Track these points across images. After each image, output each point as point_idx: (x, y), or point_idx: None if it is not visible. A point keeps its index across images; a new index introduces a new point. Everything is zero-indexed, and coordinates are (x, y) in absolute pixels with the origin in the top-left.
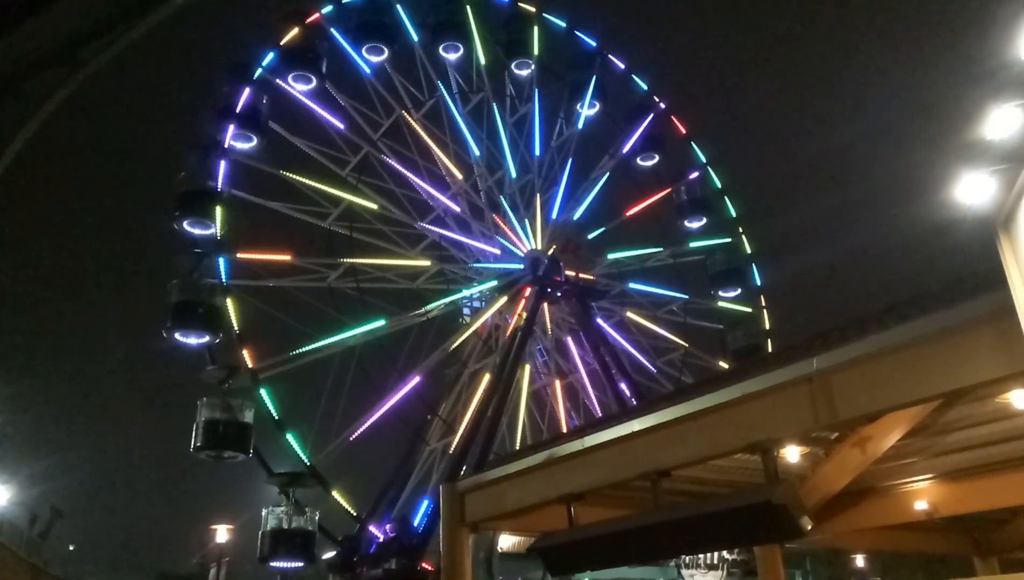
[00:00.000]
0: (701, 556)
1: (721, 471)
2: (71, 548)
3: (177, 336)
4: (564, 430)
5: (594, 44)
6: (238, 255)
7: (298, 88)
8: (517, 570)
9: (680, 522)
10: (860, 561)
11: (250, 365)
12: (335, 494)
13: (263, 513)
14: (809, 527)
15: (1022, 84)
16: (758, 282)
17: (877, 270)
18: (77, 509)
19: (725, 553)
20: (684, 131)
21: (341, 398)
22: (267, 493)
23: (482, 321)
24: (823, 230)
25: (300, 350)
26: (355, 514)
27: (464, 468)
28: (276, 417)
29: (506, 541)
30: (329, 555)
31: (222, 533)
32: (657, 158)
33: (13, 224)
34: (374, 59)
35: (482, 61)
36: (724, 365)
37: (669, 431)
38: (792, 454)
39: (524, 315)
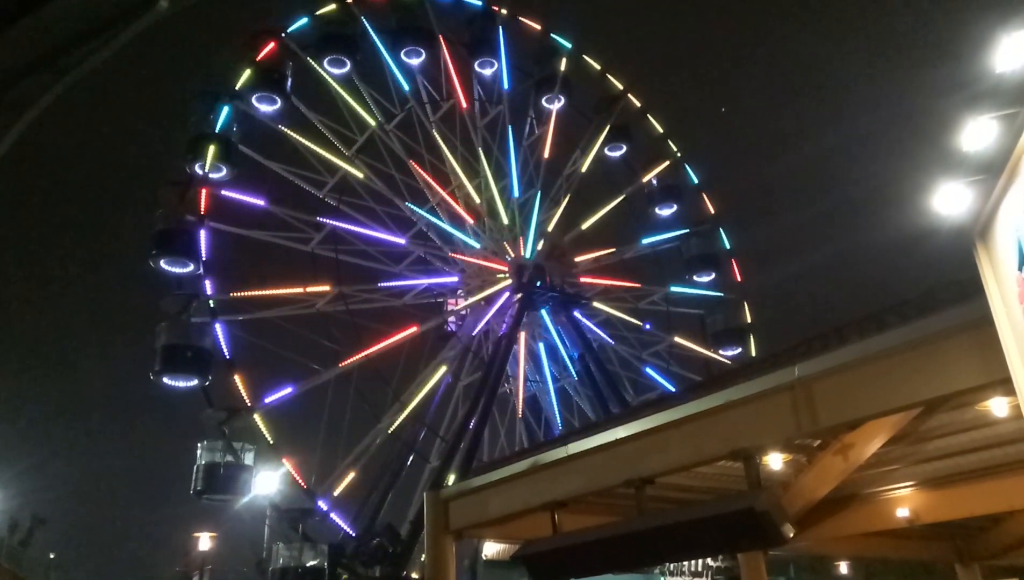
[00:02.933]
0: (685, 563)
1: (704, 478)
2: (52, 556)
3: (166, 380)
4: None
5: (569, 45)
6: (231, 295)
7: (263, 109)
8: (501, 578)
9: (664, 529)
10: (844, 568)
11: (248, 403)
12: (334, 518)
13: (274, 548)
14: (792, 534)
15: (998, 96)
16: (737, 277)
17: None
18: (58, 517)
19: (709, 560)
20: (661, 130)
21: (341, 420)
22: (255, 501)
23: (474, 333)
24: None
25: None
26: (353, 535)
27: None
28: (270, 441)
29: (490, 548)
30: (313, 563)
31: (205, 541)
32: (625, 148)
33: None
34: (336, 71)
35: (450, 65)
36: (703, 350)
37: (653, 438)
38: (775, 461)
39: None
